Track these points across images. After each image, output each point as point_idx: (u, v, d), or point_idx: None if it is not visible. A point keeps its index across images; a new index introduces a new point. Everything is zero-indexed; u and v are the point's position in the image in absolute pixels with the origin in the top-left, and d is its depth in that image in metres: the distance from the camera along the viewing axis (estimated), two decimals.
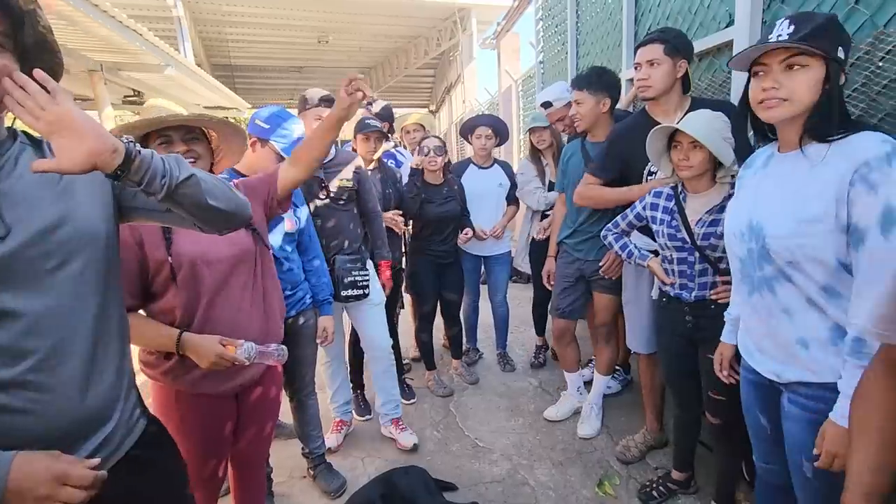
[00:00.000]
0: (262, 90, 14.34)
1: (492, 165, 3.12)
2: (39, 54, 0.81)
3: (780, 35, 1.05)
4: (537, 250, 3.00)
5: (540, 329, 3.37)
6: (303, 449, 2.17)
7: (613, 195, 2.06)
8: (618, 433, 2.45)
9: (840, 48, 1.03)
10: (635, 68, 1.87)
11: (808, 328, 1.11)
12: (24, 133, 0.85)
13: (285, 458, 2.31)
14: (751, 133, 1.32)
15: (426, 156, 2.73)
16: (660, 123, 1.88)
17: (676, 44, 1.81)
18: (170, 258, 1.22)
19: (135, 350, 1.07)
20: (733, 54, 1.93)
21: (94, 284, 0.83)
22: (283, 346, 1.35)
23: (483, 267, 3.23)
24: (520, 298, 4.44)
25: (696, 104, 1.87)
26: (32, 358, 0.75)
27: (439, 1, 8.92)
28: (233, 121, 2.00)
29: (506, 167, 3.19)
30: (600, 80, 2.24)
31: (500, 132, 3.06)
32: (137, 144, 0.79)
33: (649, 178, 1.99)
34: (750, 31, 1.85)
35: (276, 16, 9.01)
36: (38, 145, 0.84)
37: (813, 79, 1.04)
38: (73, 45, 4.25)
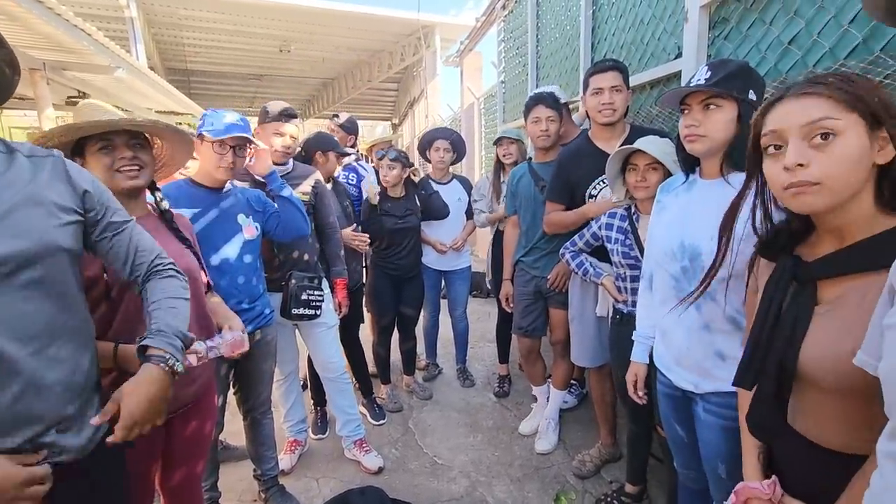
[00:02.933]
0: (220, 96, 13.94)
1: (450, 181, 3.13)
2: None
3: (699, 79, 1.19)
4: (500, 270, 2.99)
5: (503, 355, 3.22)
6: (254, 471, 2.08)
7: (572, 216, 2.12)
8: (574, 448, 2.49)
9: (751, 91, 1.18)
10: (596, 92, 1.95)
11: (725, 343, 1.22)
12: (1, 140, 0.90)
13: (235, 480, 2.20)
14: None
15: (384, 176, 2.72)
16: (600, 149, 1.98)
17: (627, 75, 1.95)
18: (105, 275, 1.14)
19: None
20: (681, 83, 2.07)
21: (49, 291, 0.86)
22: (238, 332, 1.27)
23: (443, 281, 3.23)
24: (479, 313, 4.47)
25: (635, 131, 1.99)
26: None
27: (404, 17, 9.00)
28: (187, 127, 1.93)
29: (464, 182, 3.22)
30: (560, 104, 2.34)
31: (458, 147, 3.08)
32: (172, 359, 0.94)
33: (590, 200, 2.07)
34: (696, 62, 1.97)
35: (235, 22, 8.80)
36: (11, 152, 0.88)
37: (726, 117, 1.18)
38: (12, 40, 3.99)
